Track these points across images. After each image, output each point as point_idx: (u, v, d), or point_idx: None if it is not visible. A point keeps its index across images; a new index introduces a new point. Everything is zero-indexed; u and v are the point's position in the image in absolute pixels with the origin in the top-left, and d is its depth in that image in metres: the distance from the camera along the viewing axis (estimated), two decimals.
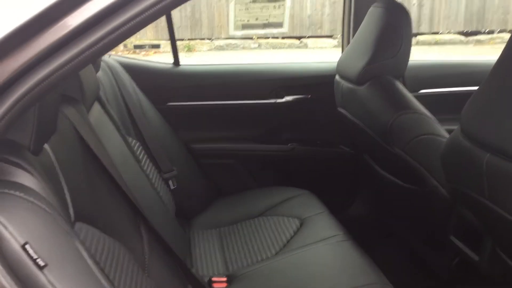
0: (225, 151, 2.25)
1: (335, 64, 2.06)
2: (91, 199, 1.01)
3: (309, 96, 2.23)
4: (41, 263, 0.60)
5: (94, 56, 0.62)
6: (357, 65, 1.74)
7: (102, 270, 0.72)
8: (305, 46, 9.04)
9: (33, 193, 0.67)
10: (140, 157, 1.67)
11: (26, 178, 0.69)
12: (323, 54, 8.24)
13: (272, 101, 2.23)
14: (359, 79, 1.74)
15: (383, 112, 1.62)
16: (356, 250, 1.59)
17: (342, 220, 1.81)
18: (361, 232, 1.80)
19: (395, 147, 1.58)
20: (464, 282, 1.68)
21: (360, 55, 1.75)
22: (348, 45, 1.93)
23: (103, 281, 0.68)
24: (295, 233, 1.73)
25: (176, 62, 2.23)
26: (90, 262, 0.69)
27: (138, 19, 0.60)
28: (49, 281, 0.60)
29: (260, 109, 2.26)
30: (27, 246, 0.59)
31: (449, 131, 1.58)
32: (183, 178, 1.91)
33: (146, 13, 0.60)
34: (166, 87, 2.18)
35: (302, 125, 2.28)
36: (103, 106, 1.48)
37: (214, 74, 2.27)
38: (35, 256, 0.59)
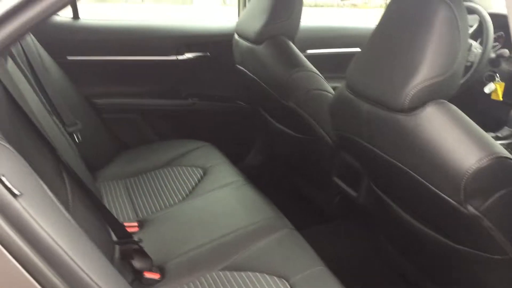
0: (127, 105, 2.28)
1: (232, 24, 2.19)
2: (17, 145, 1.06)
3: (208, 53, 2.33)
4: (16, 192, 0.68)
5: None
6: (255, 26, 1.88)
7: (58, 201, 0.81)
8: (191, 1, 8.96)
9: None
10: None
11: None
12: (210, 12, 8.26)
13: (173, 57, 2.29)
14: (257, 39, 1.88)
15: (279, 70, 1.78)
16: (254, 192, 1.76)
17: (240, 168, 1.96)
18: (257, 178, 1.95)
19: (290, 101, 1.76)
20: (345, 215, 1.96)
21: (257, 17, 1.89)
22: (246, 8, 2.06)
23: (64, 211, 0.78)
24: (199, 181, 1.84)
25: (76, 15, 2.19)
26: (50, 193, 0.77)
27: None
28: (23, 207, 0.69)
29: (162, 66, 2.30)
30: (3, 178, 0.67)
31: (333, 88, 1.81)
32: (87, 132, 1.91)
33: None
34: (65, 41, 2.14)
35: (201, 81, 2.38)
36: (13, 57, 1.47)
37: (116, 30, 2.27)
38: (10, 186, 0.67)
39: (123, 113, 2.29)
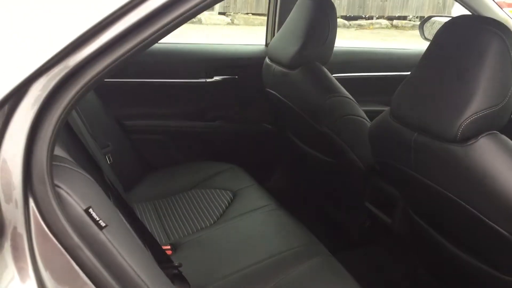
0: (155, 127, 2.30)
1: (260, 47, 2.21)
2: None
3: (236, 76, 2.36)
4: (102, 224, 0.69)
5: (144, 48, 0.71)
6: (289, 51, 1.90)
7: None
8: (199, 21, 9.07)
9: (74, 164, 0.74)
10: None
11: (61, 152, 0.76)
12: (219, 31, 8.36)
13: (202, 80, 2.32)
14: (292, 64, 1.90)
15: (314, 95, 1.81)
16: (288, 217, 1.74)
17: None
18: (282, 201, 1.92)
19: (323, 125, 1.78)
20: (373, 241, 1.96)
21: (291, 42, 1.91)
22: (278, 32, 2.08)
23: (139, 241, 0.78)
24: (230, 204, 1.84)
25: None
26: (126, 223, 0.78)
27: (182, 17, 0.71)
28: (108, 239, 0.70)
29: (190, 88, 2.33)
30: (90, 210, 0.68)
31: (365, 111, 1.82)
32: (117, 153, 1.92)
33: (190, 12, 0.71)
34: None
35: (229, 104, 2.40)
36: None
37: (145, 52, 2.28)
38: (97, 219, 0.68)
39: (151, 135, 2.30)
